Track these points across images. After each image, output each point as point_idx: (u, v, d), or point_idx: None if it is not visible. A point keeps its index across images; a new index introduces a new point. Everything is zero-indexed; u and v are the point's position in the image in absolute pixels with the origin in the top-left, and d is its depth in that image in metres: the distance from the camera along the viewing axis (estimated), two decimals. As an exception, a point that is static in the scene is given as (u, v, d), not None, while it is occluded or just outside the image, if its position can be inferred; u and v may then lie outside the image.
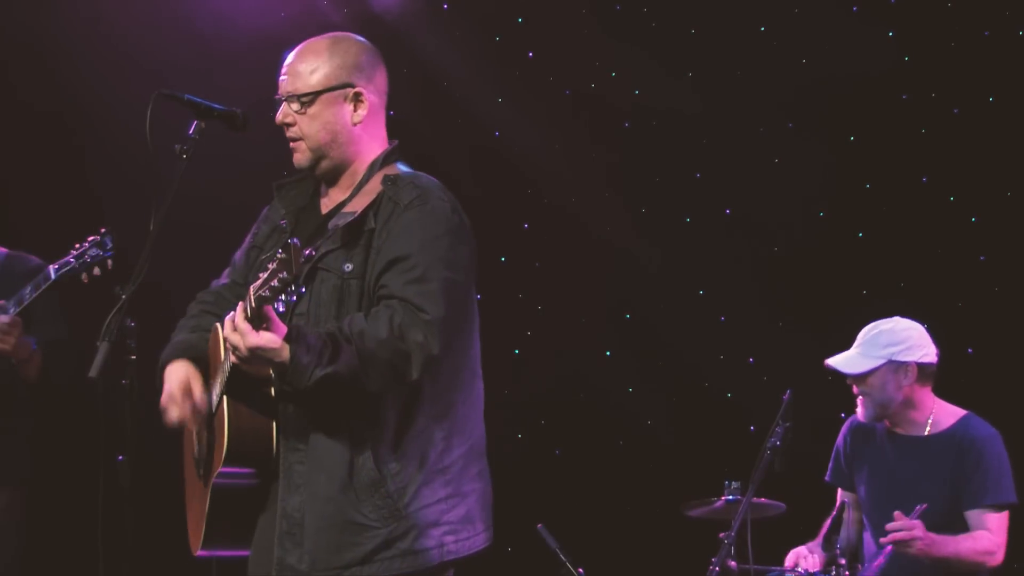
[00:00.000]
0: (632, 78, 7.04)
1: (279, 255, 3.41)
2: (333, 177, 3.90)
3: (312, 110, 3.81)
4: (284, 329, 3.55)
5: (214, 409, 3.78)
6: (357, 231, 3.71)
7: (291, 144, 3.86)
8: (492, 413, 3.86)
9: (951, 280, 6.59)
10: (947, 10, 6.62)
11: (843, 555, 5.12)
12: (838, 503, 5.42)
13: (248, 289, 3.51)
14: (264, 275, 3.44)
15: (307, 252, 3.54)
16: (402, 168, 3.88)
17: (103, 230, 4.96)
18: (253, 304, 3.47)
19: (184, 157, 3.67)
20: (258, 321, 3.51)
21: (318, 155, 3.84)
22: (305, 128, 3.82)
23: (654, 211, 7.09)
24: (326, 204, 3.92)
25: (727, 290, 6.97)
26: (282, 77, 3.86)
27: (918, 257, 6.65)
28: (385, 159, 3.88)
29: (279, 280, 3.41)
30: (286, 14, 7.01)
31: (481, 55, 7.15)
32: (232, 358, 3.59)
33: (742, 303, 6.93)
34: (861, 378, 5.29)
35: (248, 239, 4.04)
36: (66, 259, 4.96)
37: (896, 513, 5.03)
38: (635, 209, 7.09)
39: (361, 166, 3.88)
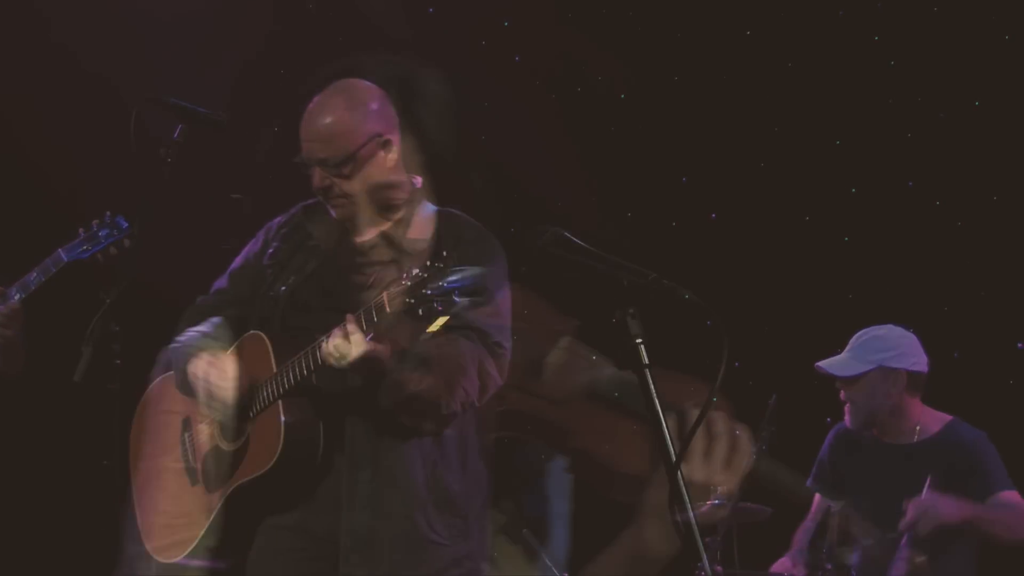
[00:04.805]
0: (617, 82, 7.04)
1: (437, 264, 3.38)
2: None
3: (349, 170, 3.77)
4: (388, 343, 3.56)
5: (253, 415, 3.73)
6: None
7: (331, 201, 3.81)
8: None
9: (937, 284, 6.59)
10: (933, 14, 6.63)
11: (829, 560, 5.11)
12: (813, 509, 5.41)
13: (380, 296, 3.44)
14: (407, 283, 3.38)
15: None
16: (428, 205, 3.91)
17: (108, 213, 4.67)
18: (388, 308, 3.41)
19: (168, 161, 3.65)
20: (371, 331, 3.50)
21: (362, 206, 3.83)
22: (346, 188, 3.79)
23: (640, 215, 7.08)
24: (362, 231, 3.90)
25: (713, 294, 6.95)
26: (308, 143, 3.79)
27: (904, 261, 6.65)
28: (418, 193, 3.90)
29: (432, 289, 3.36)
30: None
31: (466, 59, 7.14)
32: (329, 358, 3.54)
33: (728, 307, 6.91)
34: (850, 382, 5.24)
35: (248, 257, 3.91)
36: (77, 241, 4.63)
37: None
38: (620, 213, 7.09)
39: (398, 197, 3.87)
